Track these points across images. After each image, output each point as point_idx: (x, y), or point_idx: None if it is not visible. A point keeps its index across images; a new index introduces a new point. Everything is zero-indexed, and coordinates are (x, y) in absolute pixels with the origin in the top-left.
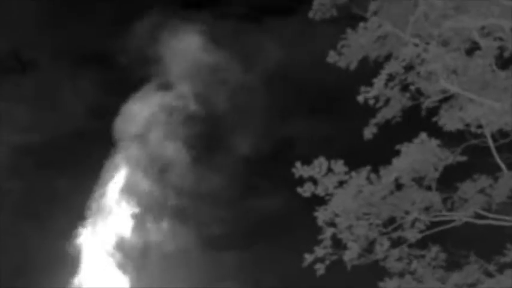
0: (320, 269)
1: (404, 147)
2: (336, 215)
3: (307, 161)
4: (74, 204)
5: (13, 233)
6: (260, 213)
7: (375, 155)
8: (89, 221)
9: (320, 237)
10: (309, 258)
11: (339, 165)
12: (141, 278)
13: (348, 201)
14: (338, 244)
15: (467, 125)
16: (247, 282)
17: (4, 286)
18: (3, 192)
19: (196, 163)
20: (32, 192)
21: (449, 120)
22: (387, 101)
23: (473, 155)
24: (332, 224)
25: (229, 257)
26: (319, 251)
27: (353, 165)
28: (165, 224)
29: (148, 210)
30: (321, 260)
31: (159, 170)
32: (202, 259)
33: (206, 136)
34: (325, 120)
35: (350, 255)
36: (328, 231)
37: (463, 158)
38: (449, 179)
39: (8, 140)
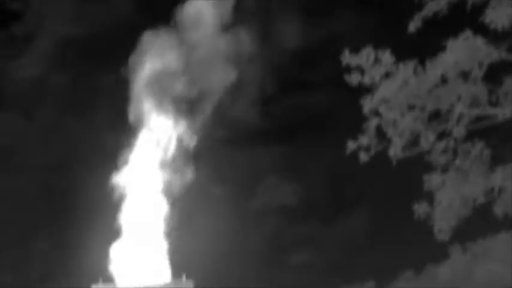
0: (364, 156)
1: (449, 43)
2: (381, 106)
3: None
4: (117, 99)
5: (57, 126)
6: (304, 107)
7: (421, 50)
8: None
9: (365, 125)
10: (352, 145)
11: (387, 56)
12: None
13: (394, 92)
14: (382, 137)
15: None
16: (291, 176)
17: (49, 181)
18: (48, 84)
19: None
20: (76, 85)
21: (496, 17)
22: None
23: None
24: (377, 114)
25: (272, 151)
26: (363, 139)
27: (400, 59)
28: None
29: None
30: (365, 149)
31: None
32: (247, 152)
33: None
34: (373, 14)
35: (394, 150)
36: (373, 121)
37: (509, 56)
38: (494, 76)
39: (53, 31)
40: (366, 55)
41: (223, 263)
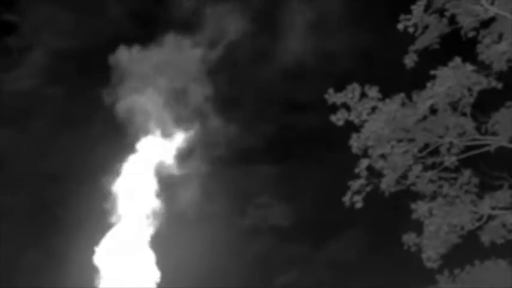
0: (358, 201)
1: (439, 72)
2: (370, 143)
3: (348, 76)
4: (112, 113)
5: (51, 139)
6: (298, 129)
7: (415, 75)
8: None
9: (356, 170)
10: (347, 196)
11: (373, 91)
12: (175, 193)
13: (381, 127)
14: (372, 173)
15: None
16: (283, 197)
17: (41, 194)
18: (44, 97)
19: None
20: (71, 99)
21: (488, 54)
22: (425, 28)
23: (508, 81)
24: (366, 153)
25: (265, 171)
26: (355, 185)
27: (390, 87)
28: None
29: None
30: (357, 192)
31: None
32: (239, 172)
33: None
34: (368, 37)
35: (387, 182)
36: (363, 163)
37: (498, 84)
38: (483, 105)
39: (50, 44)
40: (352, 92)
41: (211, 282)
